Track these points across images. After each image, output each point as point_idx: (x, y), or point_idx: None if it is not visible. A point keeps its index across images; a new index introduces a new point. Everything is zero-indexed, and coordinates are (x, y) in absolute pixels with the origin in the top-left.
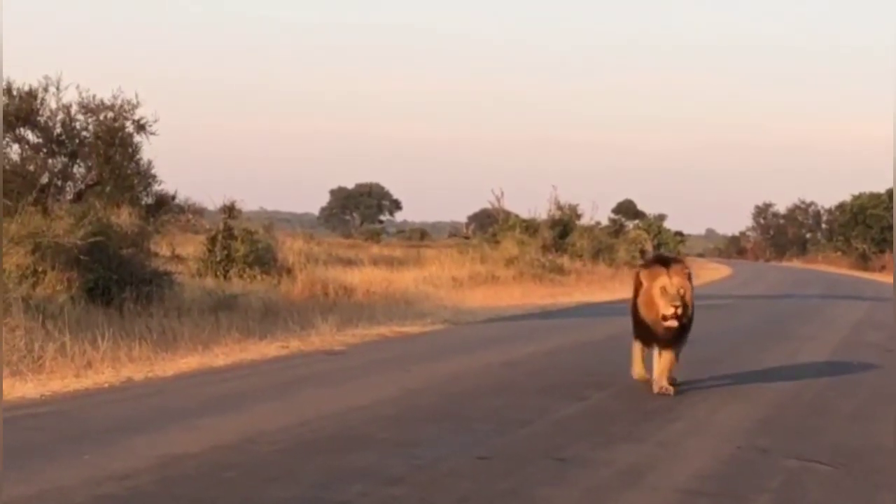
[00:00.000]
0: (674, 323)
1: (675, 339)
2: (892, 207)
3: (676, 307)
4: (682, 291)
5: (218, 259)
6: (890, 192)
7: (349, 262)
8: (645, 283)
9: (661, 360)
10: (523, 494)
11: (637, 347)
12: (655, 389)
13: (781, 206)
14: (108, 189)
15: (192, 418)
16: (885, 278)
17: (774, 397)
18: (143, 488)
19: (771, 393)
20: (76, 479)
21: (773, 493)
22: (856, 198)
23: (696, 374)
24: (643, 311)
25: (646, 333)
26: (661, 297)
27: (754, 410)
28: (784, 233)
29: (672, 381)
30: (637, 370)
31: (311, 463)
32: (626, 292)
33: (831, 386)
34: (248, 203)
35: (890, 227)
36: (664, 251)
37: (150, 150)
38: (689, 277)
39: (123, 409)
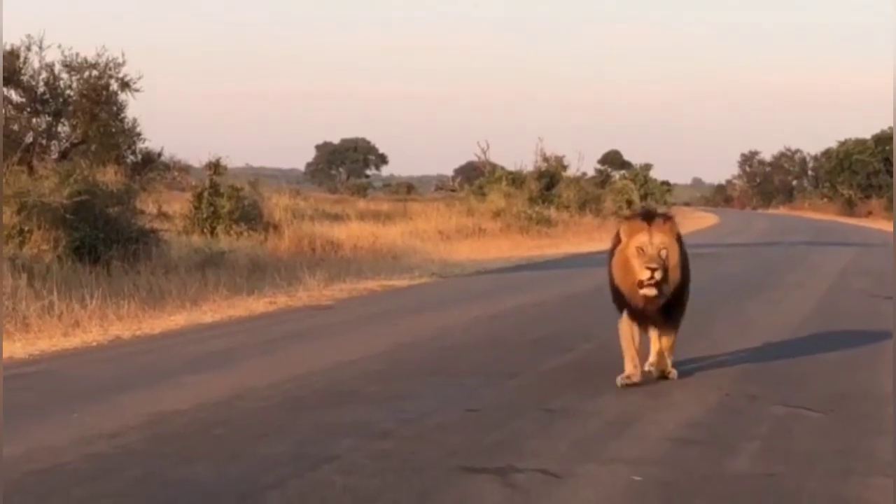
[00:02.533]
0: (651, 291)
1: (664, 314)
2: (877, 153)
3: (653, 270)
4: (663, 252)
5: (204, 216)
6: (876, 139)
7: (336, 218)
8: (623, 240)
9: (657, 346)
10: (512, 446)
11: (627, 327)
12: (656, 374)
13: (767, 154)
14: (93, 148)
15: (180, 375)
16: (871, 224)
17: (761, 345)
18: (133, 446)
19: (758, 340)
20: (65, 438)
21: (762, 439)
22: (841, 144)
23: (681, 323)
24: (617, 276)
25: (624, 304)
26: (637, 257)
27: (741, 358)
28: (770, 180)
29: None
30: (630, 367)
31: (299, 418)
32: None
33: (818, 333)
34: (234, 160)
35: (876, 173)
36: (651, 202)
37: (135, 108)
38: (678, 237)
39: (112, 368)
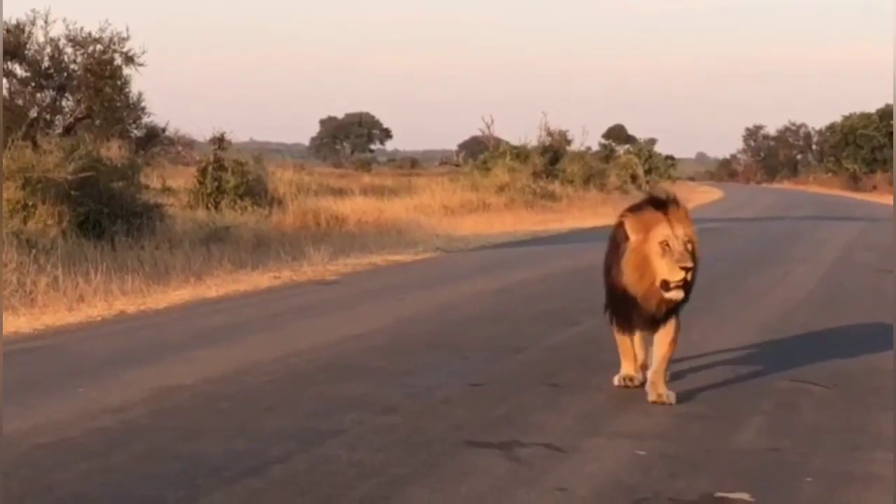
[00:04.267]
0: (679, 294)
1: (671, 315)
2: (882, 128)
3: (688, 270)
4: (689, 246)
5: (208, 191)
6: (881, 113)
7: (340, 192)
8: (634, 238)
9: (658, 353)
10: (517, 421)
11: (624, 338)
12: (652, 398)
13: (772, 129)
14: (97, 122)
15: (185, 350)
16: (876, 199)
17: (767, 320)
18: (138, 421)
19: (763, 316)
20: (71, 413)
21: (767, 414)
22: (846, 118)
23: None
24: (629, 279)
25: (628, 314)
26: (664, 256)
27: (747, 333)
28: (775, 155)
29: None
30: (627, 368)
31: (305, 393)
32: (617, 217)
33: (823, 307)
34: (238, 134)
35: (880, 148)
36: (655, 177)
37: (139, 82)
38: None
39: (117, 342)
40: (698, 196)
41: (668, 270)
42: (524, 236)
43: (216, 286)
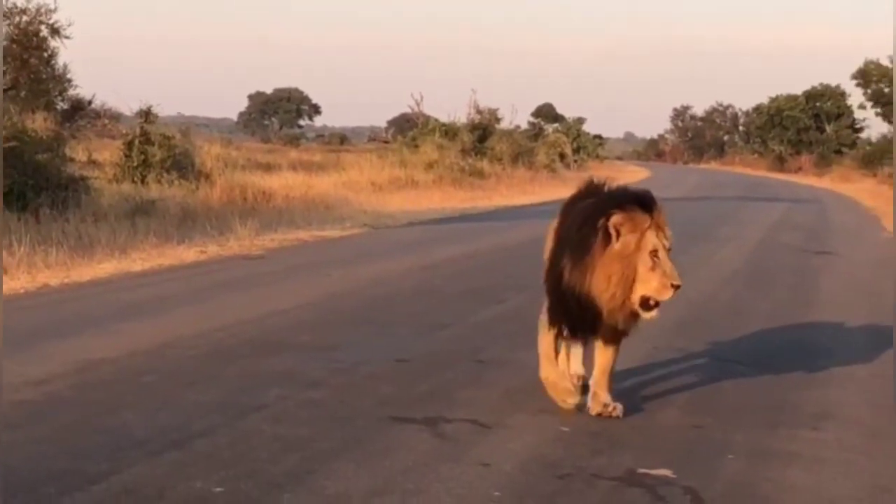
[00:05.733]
0: (656, 314)
1: (630, 330)
2: (807, 110)
3: (677, 288)
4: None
5: (135, 164)
6: (807, 95)
7: (268, 167)
8: (624, 241)
9: (601, 360)
10: (443, 396)
11: (549, 340)
12: (596, 410)
13: (699, 109)
14: (22, 94)
15: (109, 323)
16: (801, 180)
17: (692, 298)
18: (61, 393)
19: (688, 294)
20: None
21: (690, 392)
22: (773, 100)
23: None
24: (601, 288)
25: (582, 321)
26: (653, 269)
27: (671, 311)
28: (702, 135)
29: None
30: (551, 372)
31: (229, 367)
32: (545, 195)
33: (748, 286)
34: (165, 108)
35: (806, 129)
36: (582, 158)
37: (65, 54)
38: None
39: (40, 315)
40: (626, 175)
41: (656, 287)
42: (452, 213)
43: (141, 260)
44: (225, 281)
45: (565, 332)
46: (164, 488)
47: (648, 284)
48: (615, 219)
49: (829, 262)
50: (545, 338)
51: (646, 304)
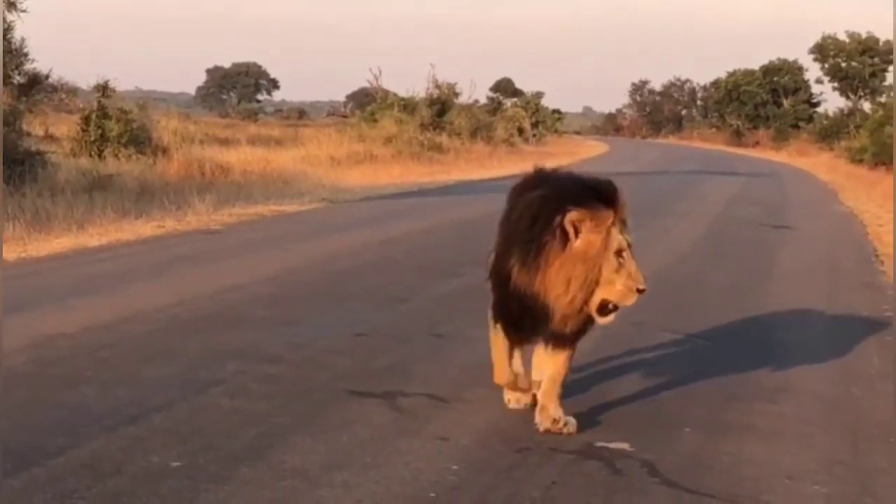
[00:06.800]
0: (613, 319)
1: (582, 335)
2: (764, 84)
3: (642, 293)
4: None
5: (92, 139)
6: (764, 70)
7: (226, 142)
8: (585, 240)
9: (551, 368)
10: (401, 371)
11: (500, 340)
12: (544, 426)
13: (657, 84)
14: None
15: (66, 298)
16: (758, 154)
17: (649, 272)
18: (18, 368)
19: (645, 268)
20: None
21: (649, 365)
22: (730, 75)
23: None
24: (555, 290)
25: (529, 324)
26: (619, 271)
27: None
28: (660, 110)
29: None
30: (504, 373)
31: (187, 342)
32: (504, 169)
33: (706, 260)
34: (123, 82)
35: (763, 104)
36: (541, 132)
37: (22, 28)
38: None
39: None
40: (584, 150)
41: (619, 292)
42: (410, 188)
43: (98, 235)
44: (182, 256)
45: (513, 334)
46: (122, 463)
47: (611, 288)
48: (573, 216)
49: (787, 236)
50: (497, 339)
51: (604, 308)
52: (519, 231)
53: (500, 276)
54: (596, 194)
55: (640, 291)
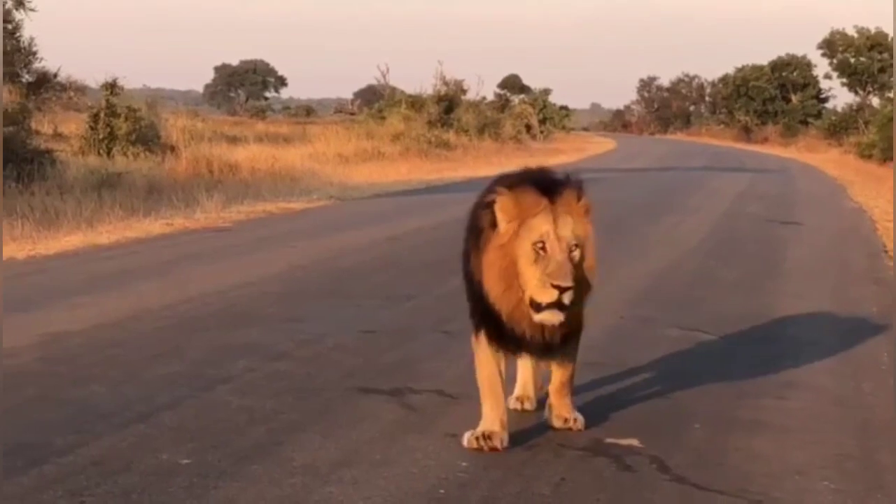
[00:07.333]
0: (554, 318)
1: (567, 342)
2: (773, 80)
3: (563, 290)
4: (576, 253)
5: (101, 137)
6: (772, 65)
7: (234, 140)
8: (503, 227)
9: (556, 376)
10: (409, 367)
11: (487, 360)
12: (557, 423)
13: (666, 80)
14: None
15: (75, 296)
16: (767, 150)
17: (657, 268)
18: (27, 366)
19: (654, 264)
20: None
21: (657, 361)
22: (739, 70)
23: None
24: (490, 286)
25: (499, 329)
26: (535, 262)
27: (637, 281)
28: (668, 106)
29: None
30: (493, 420)
31: (195, 340)
32: (511, 166)
33: (714, 256)
34: (131, 80)
35: (772, 100)
36: (548, 129)
37: (30, 27)
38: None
39: (6, 288)
40: (592, 147)
41: (536, 286)
42: (418, 185)
43: (107, 233)
44: (191, 253)
45: (488, 339)
46: (131, 460)
47: (531, 282)
48: (499, 200)
49: (795, 231)
50: (481, 351)
51: (536, 306)
52: (472, 215)
53: (465, 272)
54: (531, 181)
55: (556, 288)
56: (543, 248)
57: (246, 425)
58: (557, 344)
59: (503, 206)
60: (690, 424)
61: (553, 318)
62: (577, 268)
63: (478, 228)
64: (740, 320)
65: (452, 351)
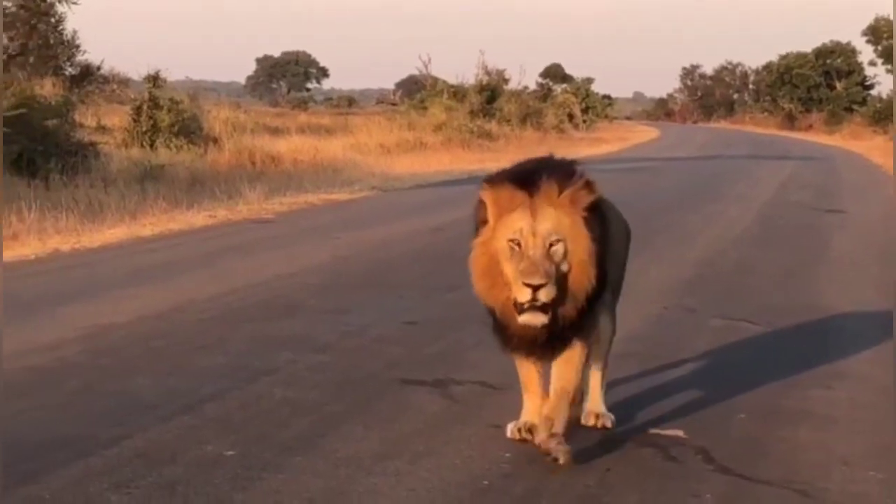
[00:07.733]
0: (536, 319)
1: (560, 347)
2: (817, 67)
3: (535, 289)
4: (556, 249)
5: (144, 129)
6: (816, 52)
7: (276, 131)
8: (491, 223)
9: (558, 380)
10: (451, 358)
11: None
12: (539, 437)
13: (709, 68)
14: (31, 60)
15: (119, 289)
16: (811, 138)
17: (701, 257)
18: (71, 359)
19: (698, 253)
20: (4, 351)
21: (701, 352)
22: (782, 58)
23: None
24: (477, 283)
25: (502, 332)
26: (510, 259)
27: (681, 271)
28: (711, 94)
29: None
30: (528, 412)
31: (239, 331)
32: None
33: (758, 245)
34: (174, 72)
35: (816, 87)
36: (591, 118)
37: (74, 20)
38: (594, 205)
39: (50, 281)
40: (636, 135)
41: (513, 285)
42: (460, 175)
43: (151, 225)
44: (234, 245)
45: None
46: (176, 452)
47: (510, 281)
48: (481, 195)
49: (840, 220)
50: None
51: (517, 305)
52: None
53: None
54: (517, 177)
55: (527, 286)
56: (518, 245)
57: (289, 417)
58: (549, 347)
59: (487, 202)
60: (735, 415)
61: (534, 319)
62: (560, 263)
63: (478, 221)
64: (784, 310)
65: (495, 342)
